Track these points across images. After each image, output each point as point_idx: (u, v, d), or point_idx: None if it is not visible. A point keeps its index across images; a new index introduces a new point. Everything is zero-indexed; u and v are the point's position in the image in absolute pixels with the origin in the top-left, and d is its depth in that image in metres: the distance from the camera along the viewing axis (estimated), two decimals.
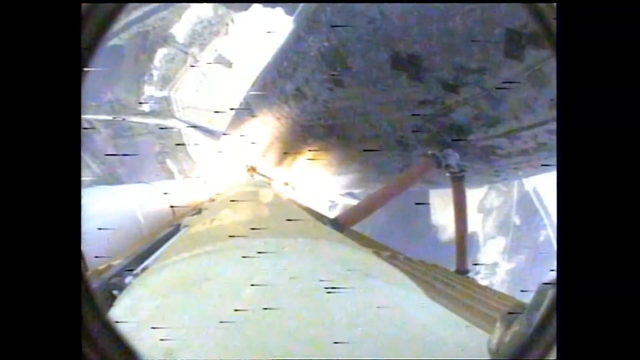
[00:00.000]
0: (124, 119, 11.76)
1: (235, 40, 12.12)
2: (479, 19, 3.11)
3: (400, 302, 1.14)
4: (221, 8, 11.75)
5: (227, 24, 11.94)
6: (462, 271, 5.17)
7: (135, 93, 11.98)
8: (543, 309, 0.62)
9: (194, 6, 11.68)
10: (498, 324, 0.68)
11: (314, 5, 4.53)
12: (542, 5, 0.64)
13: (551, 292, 0.62)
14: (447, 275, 3.15)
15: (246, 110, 8.16)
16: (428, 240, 15.50)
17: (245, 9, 11.61)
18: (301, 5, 5.27)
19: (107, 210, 4.05)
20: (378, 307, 1.01)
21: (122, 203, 4.33)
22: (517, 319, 0.65)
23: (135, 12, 11.58)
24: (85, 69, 0.58)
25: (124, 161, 12.47)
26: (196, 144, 12.37)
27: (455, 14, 3.21)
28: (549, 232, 16.62)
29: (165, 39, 11.81)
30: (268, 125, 7.33)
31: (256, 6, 11.78)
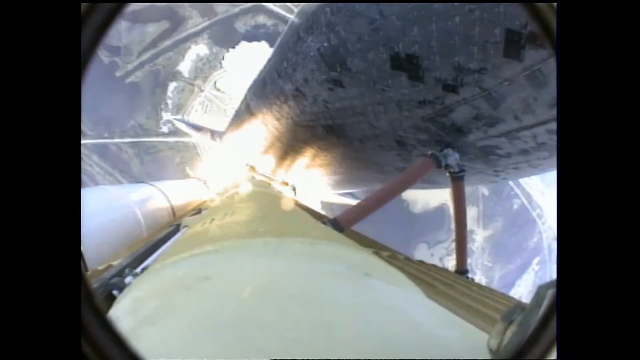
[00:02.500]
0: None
1: (228, 72, 15.05)
2: (479, 19, 3.11)
3: (400, 302, 1.14)
4: (215, 47, 14.84)
5: (221, 60, 15.07)
6: (462, 271, 5.18)
7: (154, 119, 15.03)
8: (543, 309, 0.62)
9: (193, 47, 14.76)
10: (498, 324, 0.68)
11: (313, 5, 4.53)
12: (542, 5, 0.64)
13: (551, 292, 0.62)
14: (447, 275, 3.16)
15: (246, 111, 8.17)
16: (402, 212, 16.40)
17: (233, 47, 14.78)
18: (300, 6, 5.28)
19: (107, 210, 4.05)
20: (378, 307, 1.01)
21: (122, 203, 4.33)
22: (517, 319, 0.65)
23: (145, 54, 14.53)
24: (85, 69, 0.58)
25: (150, 173, 14.93)
26: (204, 149, 14.68)
27: (455, 14, 3.21)
28: (522, 200, 17.37)
29: (174, 75, 14.91)
30: (268, 126, 7.33)
31: (243, 43, 14.87)
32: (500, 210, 17.69)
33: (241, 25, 14.76)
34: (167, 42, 14.73)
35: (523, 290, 17.19)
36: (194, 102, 14.97)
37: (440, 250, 17.59)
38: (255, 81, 7.49)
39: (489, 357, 0.68)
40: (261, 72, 7.05)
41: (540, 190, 17.75)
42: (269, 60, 6.56)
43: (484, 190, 17.30)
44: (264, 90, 6.71)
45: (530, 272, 18.01)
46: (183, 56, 14.89)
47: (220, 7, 14.56)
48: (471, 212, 17.62)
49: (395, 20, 3.61)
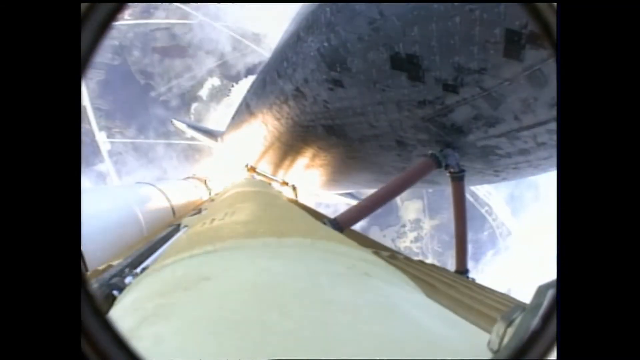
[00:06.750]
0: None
1: (234, 100, 20.00)
2: (479, 18, 3.11)
3: (400, 302, 1.14)
4: (225, 80, 21.45)
5: (229, 89, 21.31)
6: (462, 271, 5.18)
7: (182, 128, 19.09)
8: (543, 309, 0.62)
9: (209, 79, 21.40)
10: (498, 324, 0.68)
11: (313, 5, 4.53)
12: (542, 5, 0.64)
13: (551, 292, 0.62)
14: (447, 275, 3.15)
15: (246, 111, 8.16)
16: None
17: (237, 82, 21.28)
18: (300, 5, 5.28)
19: (108, 210, 4.05)
20: (378, 307, 1.01)
21: (122, 203, 4.33)
22: (517, 319, 0.65)
23: (173, 81, 20.95)
24: (85, 69, 0.58)
25: (172, 171, 19.61)
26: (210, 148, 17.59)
27: (456, 14, 3.21)
28: (468, 197, 19.26)
29: (195, 98, 21.39)
30: (268, 125, 7.33)
31: (249, 77, 19.92)
32: (445, 205, 20.03)
33: (242, 66, 21.77)
34: (190, 74, 21.09)
35: (480, 281, 18.79)
36: (210, 117, 20.94)
37: (391, 232, 20.95)
38: (255, 81, 7.48)
39: (489, 357, 0.68)
40: (261, 72, 7.04)
41: (487, 190, 20.19)
42: (269, 60, 6.55)
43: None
44: (264, 90, 6.71)
45: (486, 264, 20.28)
46: (202, 85, 21.47)
47: (228, 53, 21.20)
48: (417, 205, 20.82)
49: (395, 20, 3.61)
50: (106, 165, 19.73)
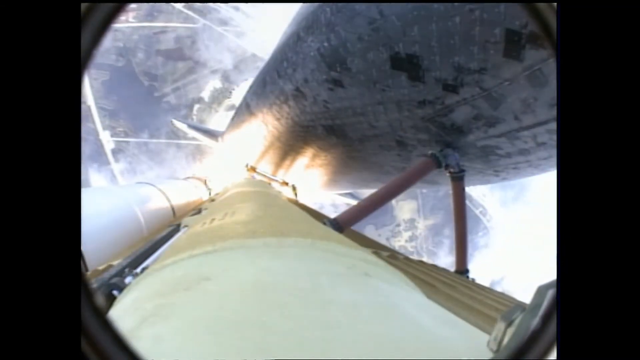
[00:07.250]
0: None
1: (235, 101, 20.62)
2: (479, 18, 3.11)
3: (400, 302, 1.14)
4: (226, 82, 22.11)
5: (230, 92, 21.99)
6: (462, 271, 5.18)
7: (184, 128, 20.12)
8: (543, 309, 0.62)
9: (211, 82, 22.07)
10: (498, 324, 0.68)
11: (313, 5, 4.53)
12: (542, 5, 0.64)
13: (551, 292, 0.62)
14: (447, 275, 3.16)
15: (246, 111, 8.16)
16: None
17: (237, 86, 21.85)
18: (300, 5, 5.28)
19: (108, 210, 4.05)
20: (378, 307, 1.01)
21: (122, 203, 4.33)
22: (517, 319, 0.65)
23: (177, 82, 21.53)
24: (85, 69, 0.58)
25: (178, 167, 20.61)
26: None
27: (455, 14, 3.21)
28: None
29: (198, 100, 22.09)
30: (268, 125, 7.33)
31: (250, 79, 20.77)
32: (440, 205, 20.77)
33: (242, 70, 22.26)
34: (193, 76, 21.64)
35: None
36: (212, 118, 21.88)
37: (386, 232, 21.55)
38: (255, 81, 7.48)
39: (489, 357, 0.68)
40: (261, 72, 7.04)
41: (482, 192, 20.71)
42: (269, 60, 6.56)
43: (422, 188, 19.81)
44: (264, 90, 6.71)
45: (479, 262, 20.58)
46: (204, 87, 22.03)
47: (227, 60, 21.86)
48: (411, 205, 21.49)
49: (395, 20, 3.61)
50: (110, 164, 20.26)
